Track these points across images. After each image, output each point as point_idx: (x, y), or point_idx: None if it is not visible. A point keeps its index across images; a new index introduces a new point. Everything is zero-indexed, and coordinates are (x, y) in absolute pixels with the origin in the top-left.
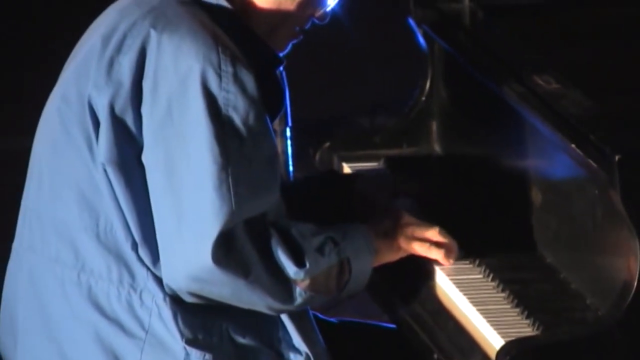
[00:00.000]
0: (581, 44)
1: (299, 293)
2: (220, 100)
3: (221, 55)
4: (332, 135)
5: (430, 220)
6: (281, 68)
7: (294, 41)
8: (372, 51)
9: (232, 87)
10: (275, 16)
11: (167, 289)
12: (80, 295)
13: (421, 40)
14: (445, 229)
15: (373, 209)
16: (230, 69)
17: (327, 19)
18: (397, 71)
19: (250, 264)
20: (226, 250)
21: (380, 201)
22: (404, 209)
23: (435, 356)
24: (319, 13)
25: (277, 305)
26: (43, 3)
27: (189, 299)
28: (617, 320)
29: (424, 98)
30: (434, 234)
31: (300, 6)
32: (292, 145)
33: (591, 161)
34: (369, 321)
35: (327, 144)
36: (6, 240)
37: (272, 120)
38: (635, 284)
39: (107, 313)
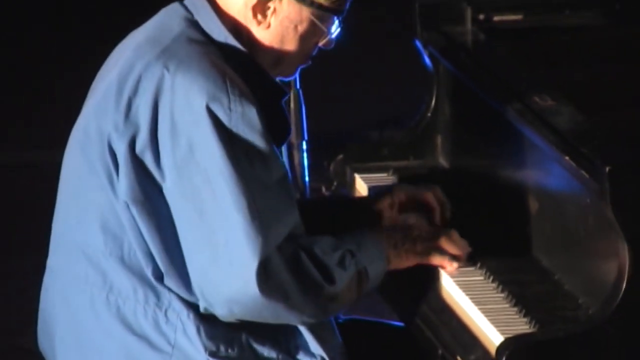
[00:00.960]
0: (574, 64)
1: (330, 307)
2: (232, 137)
3: (230, 96)
4: (345, 148)
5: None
6: (298, 86)
7: (302, 66)
8: (382, 71)
9: (241, 125)
10: (280, 51)
11: (203, 310)
12: (109, 313)
13: (427, 60)
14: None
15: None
16: (238, 108)
17: (333, 45)
18: (405, 89)
19: (287, 287)
20: (266, 278)
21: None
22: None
23: (440, 352)
24: (324, 41)
25: (312, 319)
26: (81, 18)
27: (230, 320)
28: (607, 318)
29: (429, 114)
30: (441, 243)
31: (302, 40)
32: (308, 157)
33: (583, 172)
34: (379, 319)
35: (340, 156)
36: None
37: (280, 145)
38: (624, 285)
39: (135, 330)
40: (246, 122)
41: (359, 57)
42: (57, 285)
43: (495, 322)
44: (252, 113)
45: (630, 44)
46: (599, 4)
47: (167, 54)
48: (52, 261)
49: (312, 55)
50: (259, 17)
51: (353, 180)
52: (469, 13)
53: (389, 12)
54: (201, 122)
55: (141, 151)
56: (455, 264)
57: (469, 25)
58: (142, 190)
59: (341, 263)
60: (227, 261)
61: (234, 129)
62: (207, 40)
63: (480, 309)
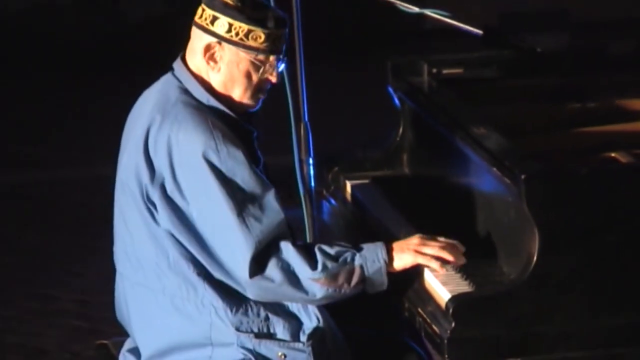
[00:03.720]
0: (499, 103)
1: (318, 289)
2: (223, 172)
3: (217, 141)
4: (339, 162)
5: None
6: (306, 119)
7: (262, 98)
8: (365, 108)
9: (228, 162)
10: (235, 88)
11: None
12: (165, 303)
13: (396, 101)
14: (412, 224)
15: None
16: (224, 149)
17: (278, 80)
18: (381, 121)
19: (278, 273)
20: (261, 265)
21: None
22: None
23: (406, 305)
24: (272, 76)
25: (306, 298)
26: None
27: (256, 299)
28: (523, 281)
29: (398, 138)
30: (435, 250)
31: (247, 76)
32: (313, 169)
33: (506, 179)
34: None
35: (336, 168)
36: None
37: (257, 166)
38: (535, 258)
39: (184, 314)
40: (232, 158)
41: (350, 99)
42: (126, 285)
43: (445, 284)
44: (234, 151)
45: (541, 90)
46: (517, 61)
47: (170, 117)
48: (119, 267)
49: (267, 89)
50: (212, 64)
51: (345, 185)
52: (425, 68)
53: (370, 68)
54: (201, 166)
55: (171, 192)
56: (444, 270)
57: (425, 76)
58: (178, 218)
59: (336, 257)
60: (233, 256)
61: (224, 167)
62: (196, 101)
63: (434, 275)
